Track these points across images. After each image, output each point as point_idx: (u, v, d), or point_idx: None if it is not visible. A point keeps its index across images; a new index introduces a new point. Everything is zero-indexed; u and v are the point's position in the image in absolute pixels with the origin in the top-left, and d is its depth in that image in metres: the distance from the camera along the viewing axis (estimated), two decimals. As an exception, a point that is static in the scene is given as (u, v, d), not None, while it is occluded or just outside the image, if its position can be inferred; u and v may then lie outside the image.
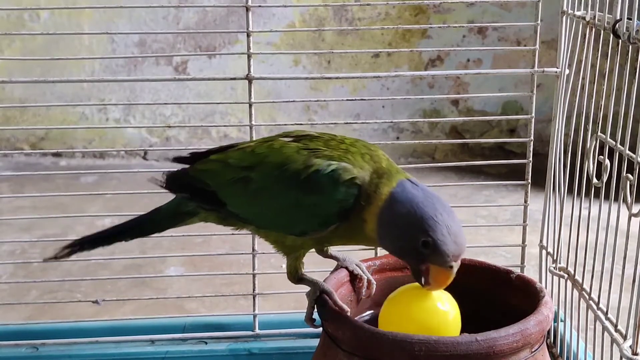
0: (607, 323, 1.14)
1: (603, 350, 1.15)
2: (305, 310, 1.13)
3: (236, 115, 3.37)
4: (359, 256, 1.23)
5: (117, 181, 2.89)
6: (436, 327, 1.02)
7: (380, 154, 1.08)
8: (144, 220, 1.23)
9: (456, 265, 0.99)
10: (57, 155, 3.33)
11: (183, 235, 1.61)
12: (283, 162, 1.07)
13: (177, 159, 1.22)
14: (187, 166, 1.20)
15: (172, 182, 1.18)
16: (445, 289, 1.04)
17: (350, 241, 1.11)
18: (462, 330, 0.99)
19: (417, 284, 1.04)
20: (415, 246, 0.98)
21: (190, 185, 1.16)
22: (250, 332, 1.49)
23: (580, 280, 1.26)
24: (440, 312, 1.04)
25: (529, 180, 1.47)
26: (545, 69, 1.40)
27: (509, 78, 3.22)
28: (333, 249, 1.20)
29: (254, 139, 1.41)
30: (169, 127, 3.43)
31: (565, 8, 1.34)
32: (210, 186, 1.13)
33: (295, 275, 1.13)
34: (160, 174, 1.19)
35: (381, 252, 1.37)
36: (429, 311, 1.04)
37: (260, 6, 1.50)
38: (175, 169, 1.19)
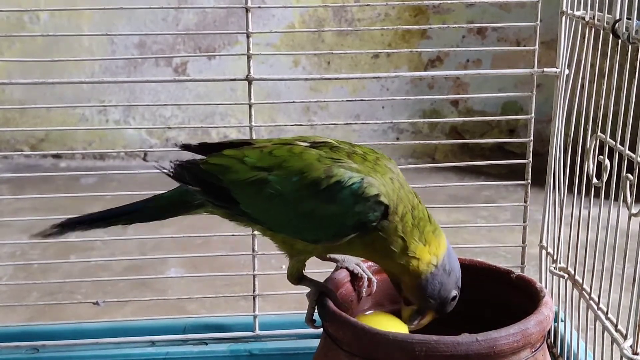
0: (607, 323, 1.14)
1: (603, 350, 1.15)
2: (306, 311, 1.13)
3: (236, 116, 3.37)
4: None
5: (117, 182, 2.88)
6: None
7: (402, 176, 1.09)
8: (144, 206, 1.19)
9: None
10: (57, 156, 3.34)
11: (183, 237, 1.61)
12: (303, 168, 1.05)
13: (185, 147, 1.18)
14: (197, 157, 1.17)
15: (182, 172, 1.14)
16: None
17: (364, 255, 1.11)
18: (463, 330, 0.99)
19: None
20: (447, 299, 1.08)
21: (201, 179, 1.12)
22: (250, 333, 1.49)
23: (581, 280, 1.26)
24: None
25: (529, 181, 1.47)
26: (545, 69, 1.40)
27: (509, 78, 3.22)
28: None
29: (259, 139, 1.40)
30: (169, 128, 3.43)
31: (564, 8, 1.34)
32: (224, 182, 1.10)
33: (296, 277, 1.13)
34: (166, 165, 1.16)
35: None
36: None
37: (259, 7, 1.50)
38: (184, 160, 1.16)
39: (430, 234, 1.06)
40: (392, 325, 1.09)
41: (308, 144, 1.10)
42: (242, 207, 1.10)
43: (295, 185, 1.04)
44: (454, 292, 1.08)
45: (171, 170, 1.15)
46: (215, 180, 1.11)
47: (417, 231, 1.04)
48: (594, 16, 1.21)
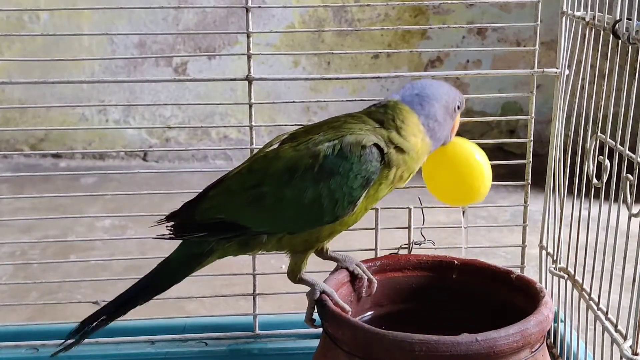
0: (607, 323, 1.13)
1: (603, 350, 1.15)
2: (306, 311, 1.13)
3: (236, 116, 3.37)
4: (359, 257, 1.23)
5: (117, 182, 2.88)
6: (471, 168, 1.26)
7: (364, 117, 1.14)
8: (155, 278, 1.18)
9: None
10: (56, 156, 3.33)
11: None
12: (287, 165, 1.06)
13: (171, 216, 1.16)
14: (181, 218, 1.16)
15: (181, 230, 1.14)
16: None
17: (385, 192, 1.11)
18: (463, 330, 0.99)
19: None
20: (455, 107, 1.19)
21: (203, 225, 1.12)
22: (250, 333, 1.49)
23: (580, 281, 1.26)
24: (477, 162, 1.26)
25: (529, 181, 1.47)
26: (545, 70, 1.40)
27: (509, 79, 3.22)
28: (332, 250, 1.20)
29: (254, 140, 1.41)
30: (169, 128, 3.43)
31: (564, 9, 1.34)
32: (226, 219, 1.10)
33: (297, 275, 1.13)
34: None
35: (381, 252, 1.37)
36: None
37: (260, 7, 1.50)
38: (177, 220, 1.15)
39: (404, 128, 1.11)
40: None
41: (277, 144, 1.12)
42: (254, 228, 1.09)
43: (289, 183, 1.05)
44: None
45: (171, 233, 1.15)
46: (217, 220, 1.11)
47: (401, 131, 1.10)
48: (594, 17, 1.21)
